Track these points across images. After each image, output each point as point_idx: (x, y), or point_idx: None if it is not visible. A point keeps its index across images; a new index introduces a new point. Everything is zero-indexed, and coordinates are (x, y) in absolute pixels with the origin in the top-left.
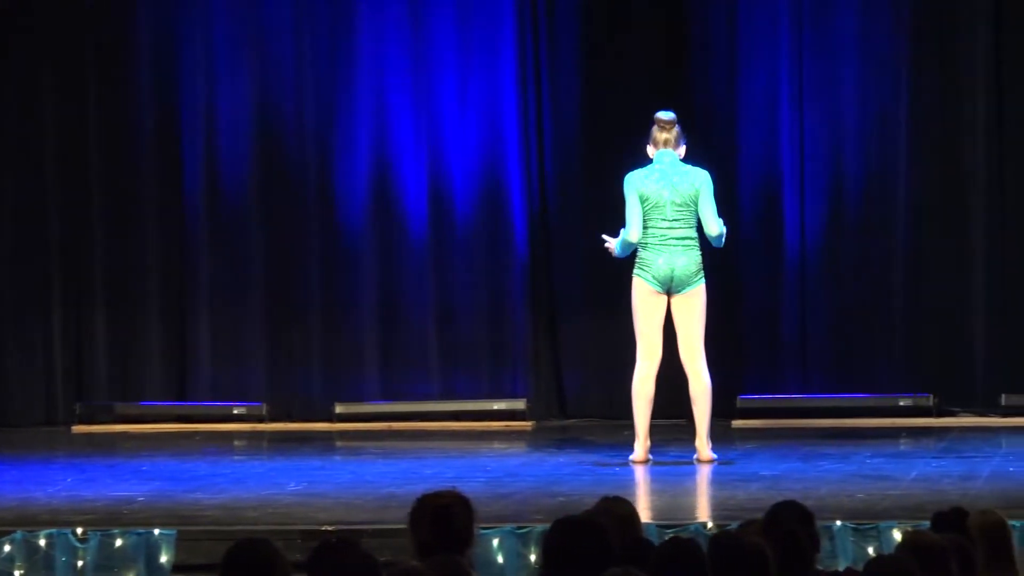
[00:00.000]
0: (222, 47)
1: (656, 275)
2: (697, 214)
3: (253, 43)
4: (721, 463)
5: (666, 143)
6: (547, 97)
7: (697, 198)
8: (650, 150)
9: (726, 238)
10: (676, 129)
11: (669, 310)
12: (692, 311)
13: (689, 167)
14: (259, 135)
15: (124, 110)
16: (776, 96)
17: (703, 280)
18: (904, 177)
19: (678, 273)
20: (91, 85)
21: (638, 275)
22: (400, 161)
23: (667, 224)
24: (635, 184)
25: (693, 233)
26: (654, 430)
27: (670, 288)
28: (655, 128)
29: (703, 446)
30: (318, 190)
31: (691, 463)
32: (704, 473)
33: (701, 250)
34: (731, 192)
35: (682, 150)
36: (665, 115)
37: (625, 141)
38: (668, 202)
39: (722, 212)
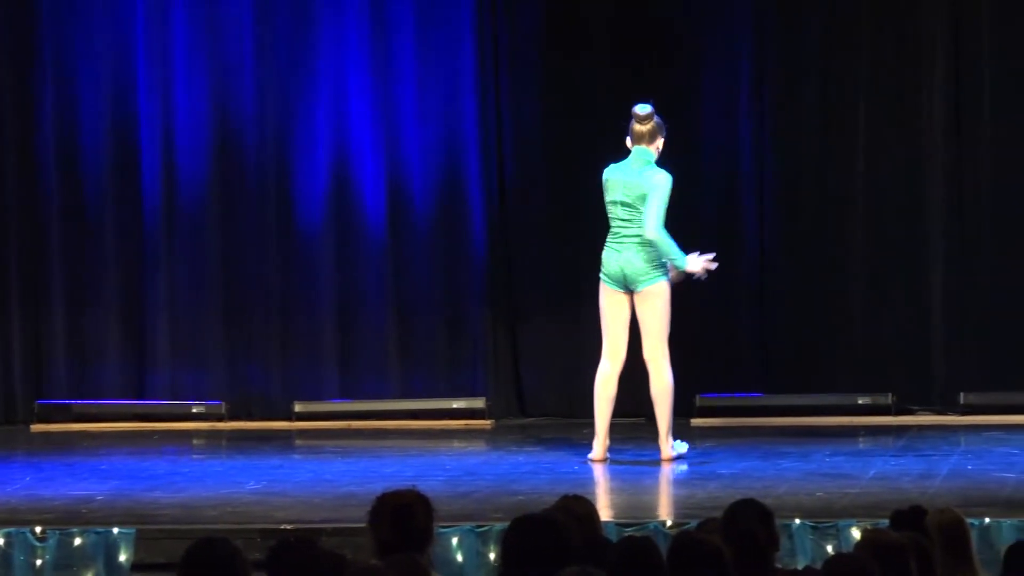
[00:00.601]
0: (180, 48)
1: (610, 273)
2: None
3: (212, 44)
4: (681, 462)
5: (639, 138)
6: (506, 96)
7: (645, 199)
8: (628, 142)
9: (676, 242)
10: (652, 123)
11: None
12: (649, 309)
13: (650, 168)
14: (217, 136)
15: (81, 109)
16: (736, 103)
17: (661, 278)
18: (862, 177)
19: (628, 271)
20: (47, 84)
21: (600, 275)
22: (358, 161)
23: (620, 222)
24: (604, 178)
25: None
26: (613, 428)
27: (626, 286)
28: (632, 121)
29: (663, 445)
30: (277, 191)
31: (650, 463)
32: (663, 472)
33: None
34: (690, 192)
35: (658, 143)
36: (641, 109)
37: (585, 139)
38: (620, 201)
39: (680, 211)
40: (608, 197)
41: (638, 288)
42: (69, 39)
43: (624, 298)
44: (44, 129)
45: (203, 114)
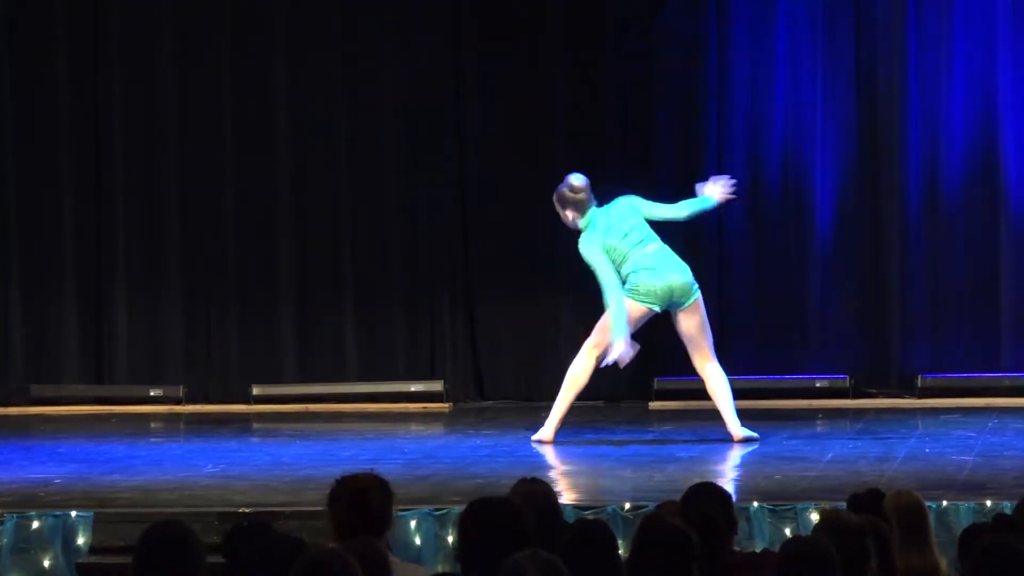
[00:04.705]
0: (136, 29)
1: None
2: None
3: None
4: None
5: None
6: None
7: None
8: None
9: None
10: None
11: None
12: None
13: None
14: (177, 120)
15: (41, 96)
16: (698, 88)
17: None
18: (820, 161)
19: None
20: (4, 71)
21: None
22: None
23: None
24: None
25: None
26: (572, 411)
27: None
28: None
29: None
30: (234, 172)
31: (607, 443)
32: (621, 455)
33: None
34: (649, 175)
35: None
36: (576, 179)
37: (545, 121)
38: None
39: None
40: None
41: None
42: (32, 26)
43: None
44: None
45: (163, 100)
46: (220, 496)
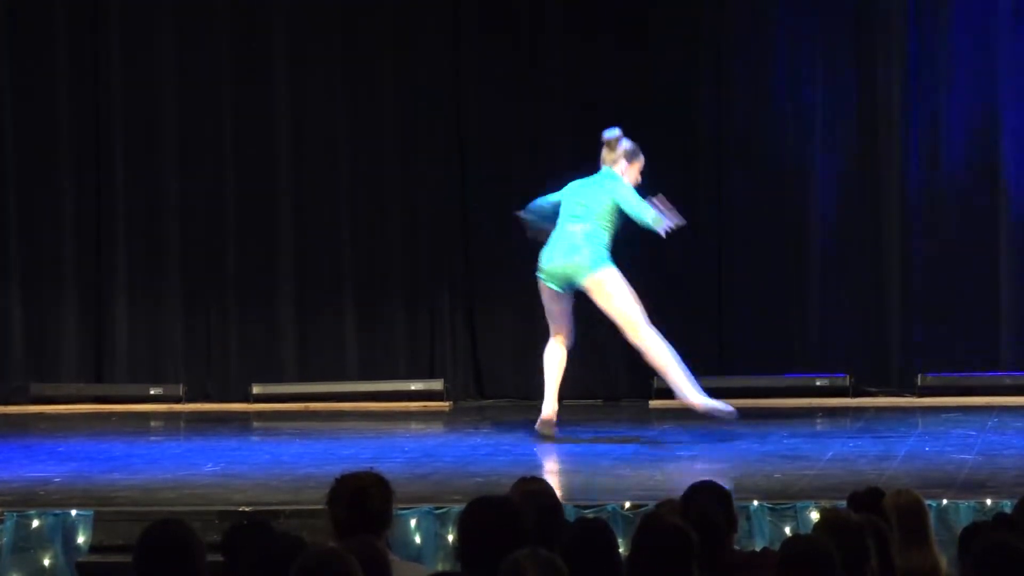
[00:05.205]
0: (141, 28)
1: None
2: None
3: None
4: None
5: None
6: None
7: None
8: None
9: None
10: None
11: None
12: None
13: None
14: (177, 119)
15: (41, 95)
16: (694, 83)
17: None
18: (819, 160)
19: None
20: (4, 70)
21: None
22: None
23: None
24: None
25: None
26: (573, 410)
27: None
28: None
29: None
30: (234, 170)
31: (607, 442)
32: (621, 453)
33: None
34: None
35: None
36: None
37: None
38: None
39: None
40: None
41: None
42: (31, 20)
43: None
44: (0, 113)
45: (161, 96)
46: (220, 495)
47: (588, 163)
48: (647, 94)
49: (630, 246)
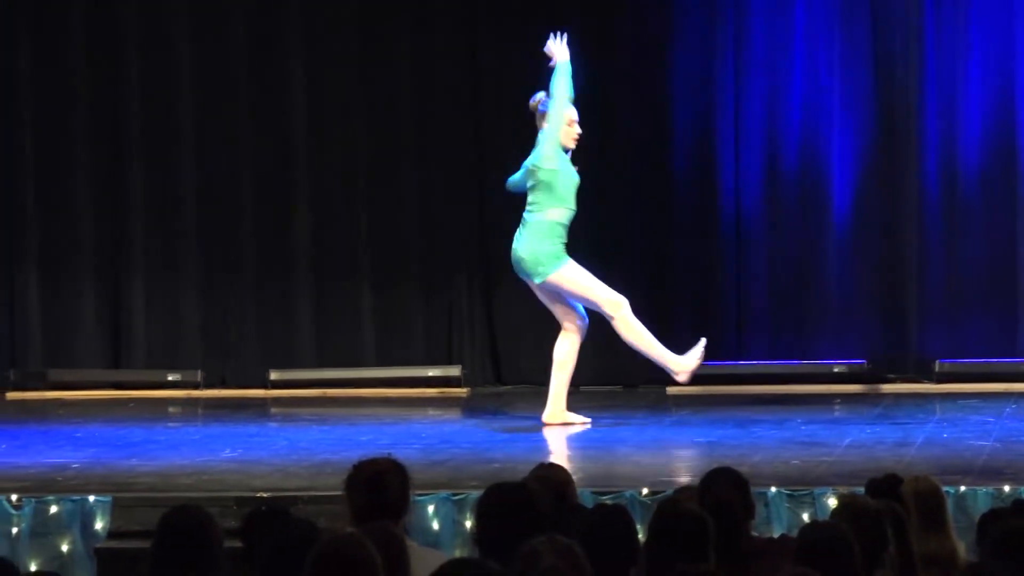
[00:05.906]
0: (158, 17)
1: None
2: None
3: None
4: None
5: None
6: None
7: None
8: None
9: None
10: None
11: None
12: None
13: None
14: (195, 103)
15: (58, 80)
16: (711, 67)
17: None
18: (837, 146)
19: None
20: (23, 55)
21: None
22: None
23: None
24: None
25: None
26: (590, 397)
27: None
28: None
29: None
30: (252, 156)
31: (626, 427)
32: (639, 440)
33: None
34: (666, 159)
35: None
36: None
37: None
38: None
39: (655, 179)
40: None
41: None
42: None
43: None
44: (17, 95)
45: (188, 83)
46: (238, 481)
47: (602, 148)
48: (664, 77)
49: (648, 236)
